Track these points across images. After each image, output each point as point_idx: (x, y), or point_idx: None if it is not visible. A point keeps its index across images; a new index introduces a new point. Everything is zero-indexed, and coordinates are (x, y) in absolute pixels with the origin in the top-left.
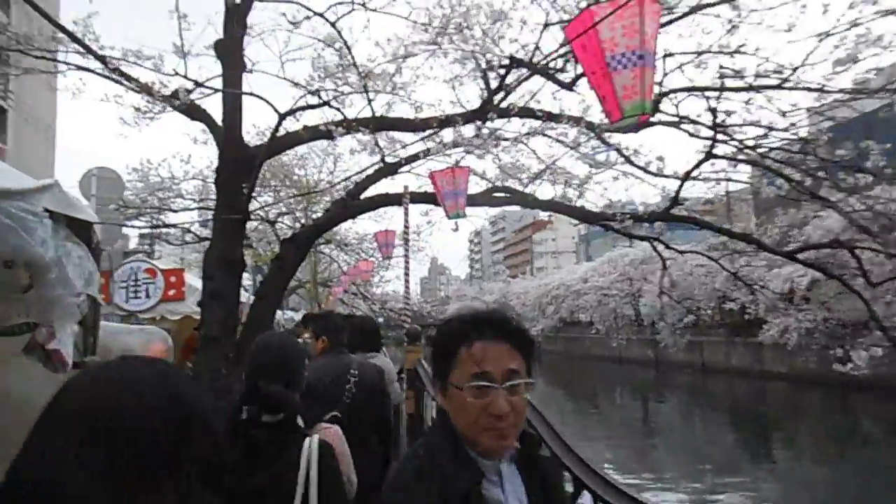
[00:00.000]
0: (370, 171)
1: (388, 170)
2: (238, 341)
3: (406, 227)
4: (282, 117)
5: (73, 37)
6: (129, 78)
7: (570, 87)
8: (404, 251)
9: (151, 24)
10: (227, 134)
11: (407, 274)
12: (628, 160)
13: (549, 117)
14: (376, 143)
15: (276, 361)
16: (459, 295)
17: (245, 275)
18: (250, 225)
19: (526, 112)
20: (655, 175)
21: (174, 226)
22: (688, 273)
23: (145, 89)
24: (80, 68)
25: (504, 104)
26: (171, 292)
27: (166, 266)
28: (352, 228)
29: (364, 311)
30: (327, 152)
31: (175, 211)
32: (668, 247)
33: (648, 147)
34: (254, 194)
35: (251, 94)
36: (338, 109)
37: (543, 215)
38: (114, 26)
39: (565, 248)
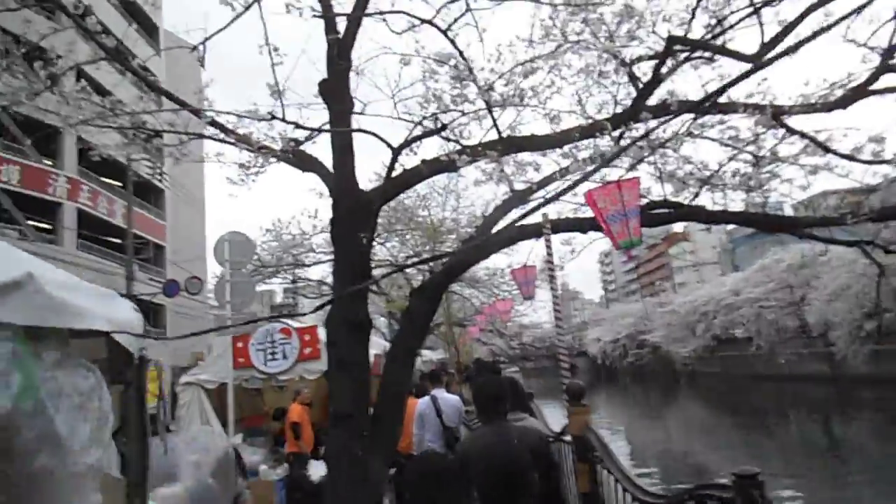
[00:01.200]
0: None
1: (519, 197)
2: (374, 416)
3: (549, 260)
4: (396, 152)
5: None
6: (227, 130)
7: (757, 60)
8: (550, 287)
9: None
10: (339, 178)
11: (558, 310)
12: (825, 148)
13: (722, 108)
14: (502, 170)
15: (440, 471)
16: (597, 319)
17: (381, 319)
18: (379, 271)
19: (688, 106)
20: (870, 163)
21: (309, 280)
22: (860, 273)
23: (244, 140)
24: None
25: (652, 101)
26: (307, 350)
27: (306, 322)
28: (482, 264)
29: (503, 347)
30: (449, 189)
31: (308, 265)
32: (888, 251)
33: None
34: (380, 240)
35: (361, 130)
36: (456, 137)
37: (677, 227)
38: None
39: (706, 258)
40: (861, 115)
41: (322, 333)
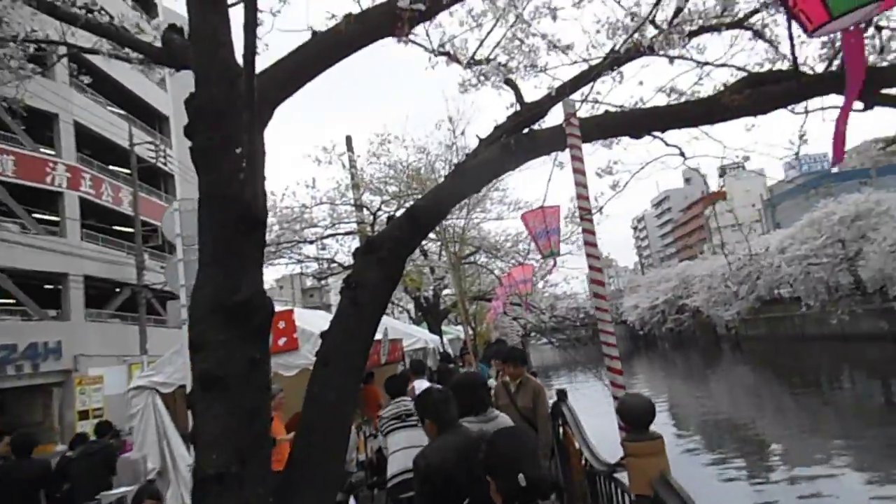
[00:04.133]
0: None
1: (529, 109)
2: (288, 467)
3: (582, 189)
4: None
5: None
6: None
7: None
8: (583, 231)
9: None
10: (201, 48)
11: (594, 259)
12: None
13: None
14: (502, 66)
15: (522, 446)
16: (633, 286)
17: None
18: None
19: None
20: None
21: (316, 259)
22: None
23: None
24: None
25: None
26: (282, 341)
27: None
28: (505, 230)
29: (532, 321)
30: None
31: (310, 242)
32: None
33: None
34: (370, 198)
35: None
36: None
37: (714, 186)
38: None
39: (747, 217)
40: None
41: (302, 320)
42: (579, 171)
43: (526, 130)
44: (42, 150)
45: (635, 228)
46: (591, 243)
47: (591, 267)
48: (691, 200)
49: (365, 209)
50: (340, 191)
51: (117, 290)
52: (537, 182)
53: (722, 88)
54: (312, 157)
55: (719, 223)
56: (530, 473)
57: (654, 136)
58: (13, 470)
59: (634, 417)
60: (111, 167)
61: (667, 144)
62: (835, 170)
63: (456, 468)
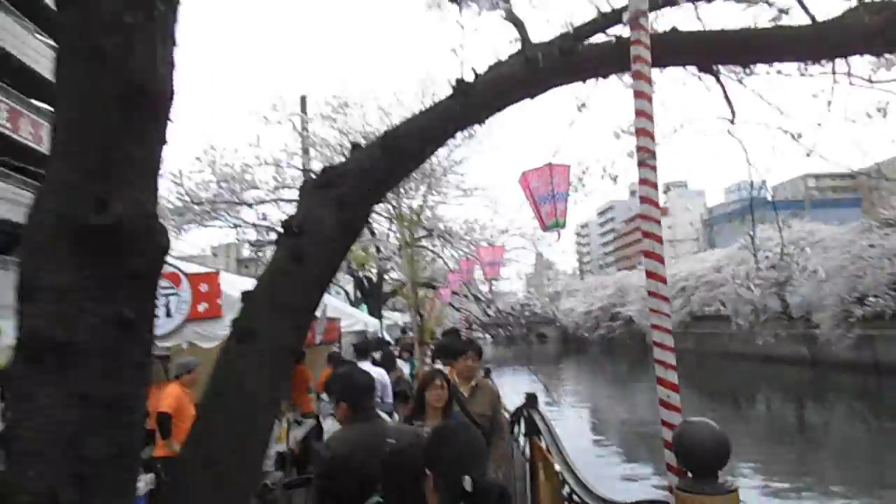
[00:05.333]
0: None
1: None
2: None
3: (642, 107)
4: None
5: None
6: None
7: None
8: (640, 164)
9: None
10: None
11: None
12: None
13: None
14: None
15: (471, 447)
16: (571, 290)
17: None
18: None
19: None
20: None
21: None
22: (857, 255)
23: None
24: None
25: None
26: (203, 307)
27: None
28: (458, 217)
29: (477, 313)
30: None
31: (249, 205)
32: None
33: None
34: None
35: None
36: None
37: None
38: None
39: (684, 235)
40: None
41: (227, 284)
42: (644, 97)
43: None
44: None
45: (579, 234)
46: (651, 200)
47: (646, 234)
48: (634, 213)
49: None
50: (289, 152)
51: None
52: (501, 165)
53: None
54: (259, 114)
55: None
56: (478, 477)
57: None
58: None
59: (700, 458)
60: (35, 101)
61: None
62: (769, 197)
63: (364, 463)
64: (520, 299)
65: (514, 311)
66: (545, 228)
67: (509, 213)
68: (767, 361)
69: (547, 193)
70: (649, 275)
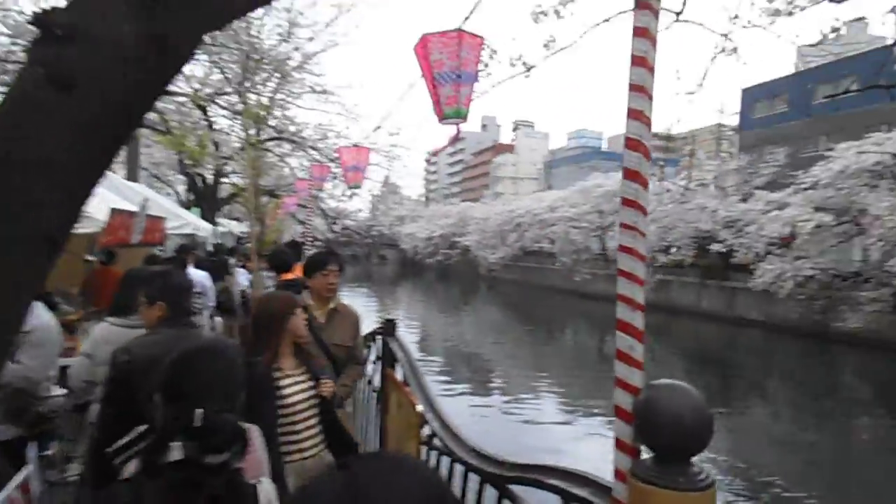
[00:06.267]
0: None
1: None
2: None
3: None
4: None
5: None
6: None
7: None
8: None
9: None
10: None
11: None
12: None
13: None
14: None
15: (219, 377)
16: (415, 216)
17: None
18: (167, 104)
19: None
20: None
21: None
22: (667, 204)
23: None
24: None
25: None
26: None
27: None
28: (312, 122)
29: (322, 229)
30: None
31: None
32: None
33: None
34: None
35: None
36: None
37: (505, 138)
38: None
39: (526, 174)
40: None
41: None
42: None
43: None
44: None
45: (428, 161)
46: (636, 139)
47: (627, 172)
48: (484, 146)
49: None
50: None
51: None
52: (362, 69)
53: None
54: None
55: (502, 174)
56: (212, 412)
57: None
58: None
59: (673, 436)
60: None
61: None
62: (605, 148)
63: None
64: (366, 219)
65: (360, 231)
66: (442, 118)
67: (366, 123)
68: (583, 297)
69: (451, 70)
70: (625, 227)
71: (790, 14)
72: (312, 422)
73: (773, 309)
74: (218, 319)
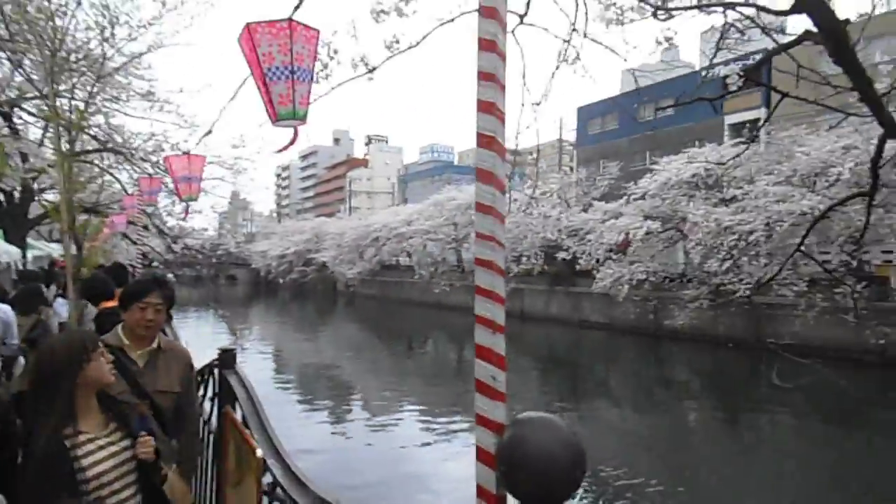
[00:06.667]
0: None
1: None
2: None
3: None
4: None
5: None
6: None
7: None
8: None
9: None
10: None
11: None
12: None
13: None
14: None
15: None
16: (267, 233)
17: None
18: None
19: None
20: None
21: None
22: (520, 221)
23: None
24: None
25: None
26: None
27: None
28: (143, 129)
29: (159, 249)
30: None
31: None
32: None
33: None
34: None
35: None
36: None
37: (359, 153)
38: None
39: (381, 188)
40: None
41: None
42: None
43: None
44: None
45: (279, 176)
46: (489, 135)
47: (481, 174)
48: (337, 161)
49: None
50: None
51: None
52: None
53: None
54: None
55: (356, 188)
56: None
57: None
58: None
59: (543, 482)
60: None
61: None
62: (456, 162)
63: None
64: (212, 237)
65: (204, 250)
66: (276, 120)
67: (207, 136)
68: (441, 309)
69: (284, 66)
70: (482, 237)
71: (621, 24)
72: (126, 494)
73: (613, 311)
74: (22, 360)
